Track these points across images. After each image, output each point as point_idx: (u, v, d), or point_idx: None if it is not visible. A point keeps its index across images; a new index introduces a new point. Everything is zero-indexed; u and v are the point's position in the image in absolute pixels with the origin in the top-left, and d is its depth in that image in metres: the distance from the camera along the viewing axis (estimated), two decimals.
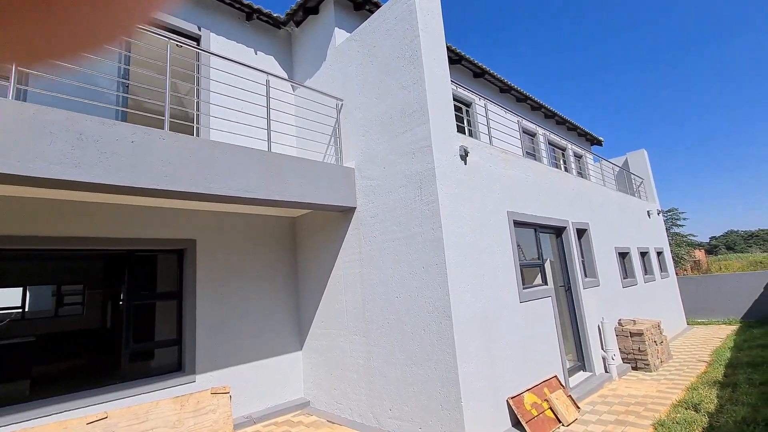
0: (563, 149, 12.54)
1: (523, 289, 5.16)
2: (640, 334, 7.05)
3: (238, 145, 4.18)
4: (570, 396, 5.02)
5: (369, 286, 4.95)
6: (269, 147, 4.60)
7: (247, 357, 5.49)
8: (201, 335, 5.09)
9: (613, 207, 8.72)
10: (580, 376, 6.10)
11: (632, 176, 12.57)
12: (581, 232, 7.27)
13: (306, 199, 4.62)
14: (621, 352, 7.24)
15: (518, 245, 6.41)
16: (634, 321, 7.51)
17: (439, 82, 4.65)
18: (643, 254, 10.22)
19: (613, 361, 6.49)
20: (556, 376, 5.22)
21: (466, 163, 4.76)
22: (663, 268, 11.52)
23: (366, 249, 5.05)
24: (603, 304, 7.12)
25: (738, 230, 69.25)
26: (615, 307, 7.55)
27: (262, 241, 5.98)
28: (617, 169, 13.10)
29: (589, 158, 13.49)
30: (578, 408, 4.97)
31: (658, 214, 12.24)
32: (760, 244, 53.89)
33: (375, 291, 4.86)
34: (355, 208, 5.27)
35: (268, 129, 4.67)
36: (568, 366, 6.09)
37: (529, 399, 4.58)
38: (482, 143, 5.15)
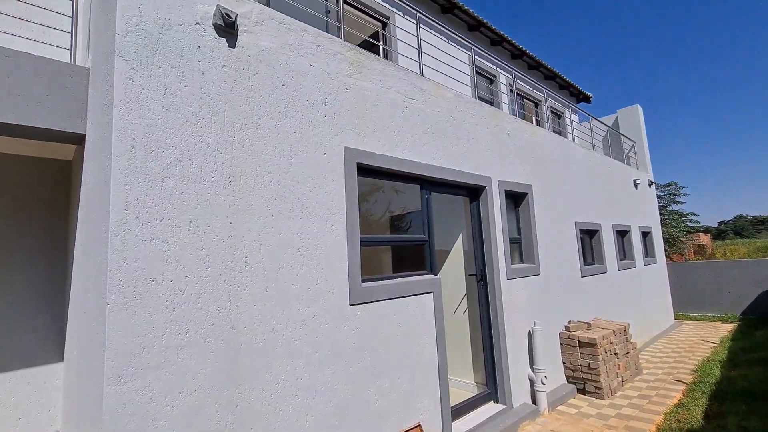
0: (536, 102, 10.10)
1: (362, 283, 3.02)
2: (591, 344, 4.95)
3: None
4: None
5: (84, 265, 2.84)
6: None
7: None
8: None
9: (577, 168, 6.44)
10: (485, 412, 4.03)
11: (622, 138, 10.18)
12: (518, 198, 5.06)
13: None
14: (566, 368, 5.17)
15: (421, 213, 4.23)
16: (588, 324, 5.41)
17: None
18: (622, 234, 8.01)
19: (544, 386, 4.42)
20: (419, 426, 3.16)
21: (233, 46, 2.52)
22: (649, 252, 9.31)
23: (86, 201, 2.91)
24: (544, 301, 4.99)
25: (747, 215, 66.34)
26: (565, 305, 5.42)
27: None
28: (606, 129, 10.68)
29: (574, 116, 11.05)
30: None
31: (650, 185, 9.92)
32: None
33: (86, 273, 2.76)
34: (85, 135, 3.09)
35: None
36: (464, 399, 4.04)
37: None
38: (289, 18, 2.86)
